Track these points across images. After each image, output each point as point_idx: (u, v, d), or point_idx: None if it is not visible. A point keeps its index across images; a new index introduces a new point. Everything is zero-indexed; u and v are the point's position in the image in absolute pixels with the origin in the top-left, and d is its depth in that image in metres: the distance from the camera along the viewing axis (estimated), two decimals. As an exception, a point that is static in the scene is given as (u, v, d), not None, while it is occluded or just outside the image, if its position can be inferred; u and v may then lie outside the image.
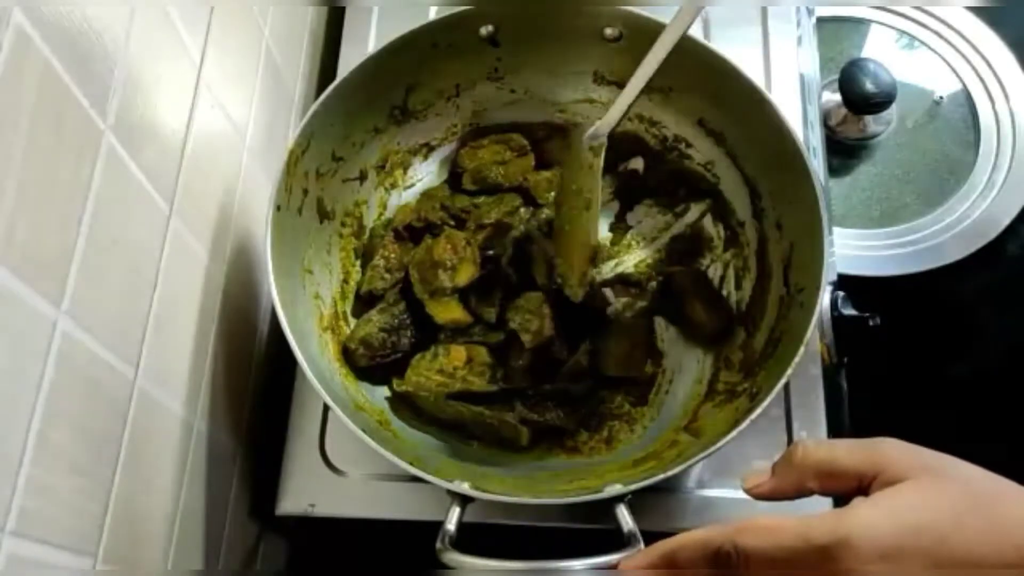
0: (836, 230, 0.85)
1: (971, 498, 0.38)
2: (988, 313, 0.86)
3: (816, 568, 0.37)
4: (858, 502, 0.39)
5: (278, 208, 0.61)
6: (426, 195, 0.75)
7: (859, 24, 0.97)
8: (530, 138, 0.76)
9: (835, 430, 0.68)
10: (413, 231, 0.74)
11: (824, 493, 0.43)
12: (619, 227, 0.75)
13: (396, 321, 0.68)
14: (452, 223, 0.73)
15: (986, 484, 0.39)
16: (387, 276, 0.71)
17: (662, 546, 0.42)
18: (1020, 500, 0.38)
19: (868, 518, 0.37)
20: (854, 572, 0.36)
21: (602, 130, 0.64)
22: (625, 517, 0.53)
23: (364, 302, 0.71)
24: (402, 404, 0.68)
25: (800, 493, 0.43)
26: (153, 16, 0.50)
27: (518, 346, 0.68)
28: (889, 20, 0.97)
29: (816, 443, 0.42)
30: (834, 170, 0.90)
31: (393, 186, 0.75)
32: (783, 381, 0.56)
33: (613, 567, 0.48)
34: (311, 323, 0.66)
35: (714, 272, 0.72)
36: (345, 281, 0.72)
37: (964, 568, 0.36)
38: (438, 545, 0.52)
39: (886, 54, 0.94)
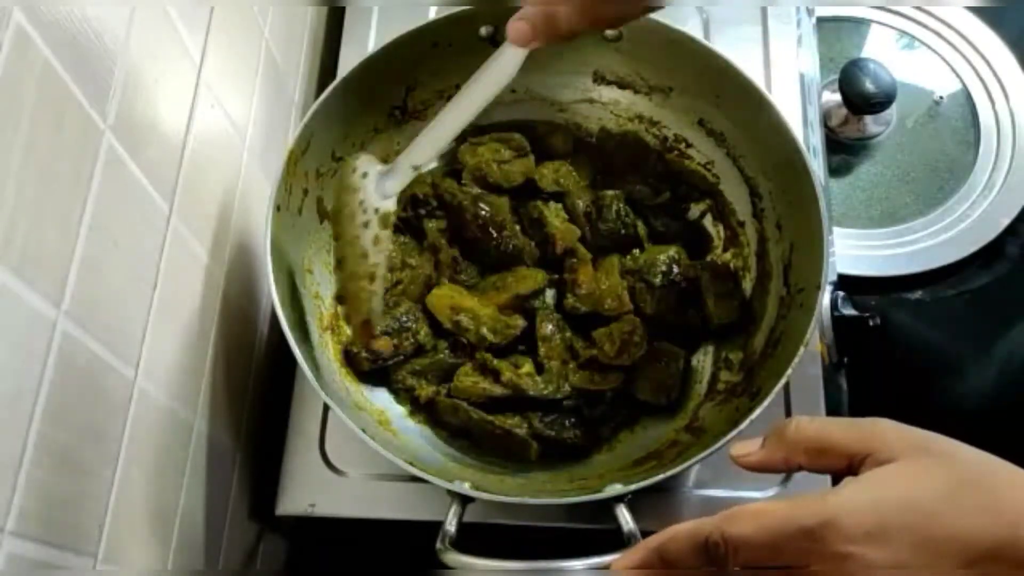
0: (836, 230, 0.84)
1: (963, 476, 0.37)
2: (988, 313, 0.86)
3: (804, 550, 0.37)
4: (846, 482, 0.39)
5: (278, 208, 0.61)
6: (416, 180, 0.75)
7: (859, 24, 0.97)
8: (531, 135, 0.76)
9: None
10: (407, 223, 0.74)
11: (813, 470, 0.42)
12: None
13: (397, 324, 0.68)
14: (434, 203, 0.73)
15: (979, 462, 0.39)
16: (388, 276, 0.71)
17: (651, 541, 0.42)
18: (1014, 478, 0.38)
19: (853, 497, 0.37)
20: (841, 553, 0.36)
21: (390, 190, 0.57)
22: (625, 517, 0.53)
23: None
24: (420, 408, 0.68)
25: (788, 467, 0.43)
26: (153, 16, 0.50)
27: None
28: (889, 20, 0.97)
29: (810, 419, 0.42)
30: (834, 170, 0.90)
31: (393, 186, 0.75)
32: (783, 381, 0.56)
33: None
34: (311, 323, 0.66)
35: (714, 272, 0.72)
36: (345, 281, 0.72)
37: (954, 545, 0.36)
38: (438, 545, 0.52)
39: (886, 54, 0.94)
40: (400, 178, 0.58)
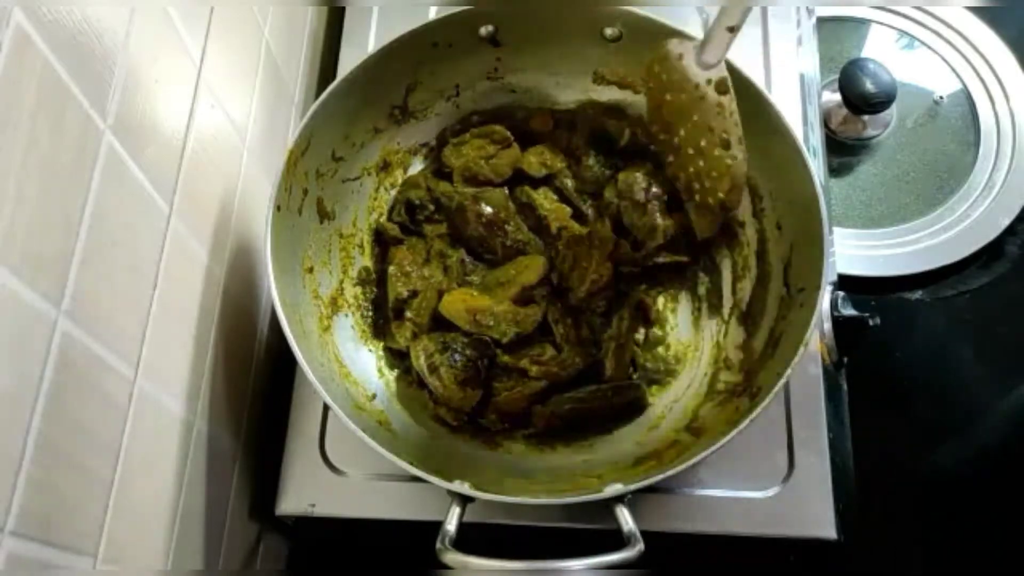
0: (836, 230, 0.84)
1: None
2: (988, 313, 0.86)
3: None
4: None
5: (278, 208, 0.61)
6: (408, 183, 0.75)
7: (859, 24, 0.97)
8: (512, 121, 0.75)
9: (835, 430, 0.69)
10: (406, 229, 0.74)
11: None
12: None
13: (442, 345, 0.67)
14: (432, 207, 0.73)
15: None
16: (404, 279, 0.71)
17: None
18: None
19: None
20: None
21: (712, 58, 0.59)
22: (625, 517, 0.53)
23: (394, 314, 0.71)
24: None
25: None
26: (153, 16, 0.50)
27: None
28: (889, 20, 0.97)
29: None
30: (834, 170, 0.90)
31: (393, 186, 0.75)
32: (783, 381, 0.56)
33: (613, 567, 0.48)
34: (311, 323, 0.66)
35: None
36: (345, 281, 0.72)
37: None
38: (438, 545, 0.52)
39: (886, 54, 0.94)
40: (718, 44, 0.58)
